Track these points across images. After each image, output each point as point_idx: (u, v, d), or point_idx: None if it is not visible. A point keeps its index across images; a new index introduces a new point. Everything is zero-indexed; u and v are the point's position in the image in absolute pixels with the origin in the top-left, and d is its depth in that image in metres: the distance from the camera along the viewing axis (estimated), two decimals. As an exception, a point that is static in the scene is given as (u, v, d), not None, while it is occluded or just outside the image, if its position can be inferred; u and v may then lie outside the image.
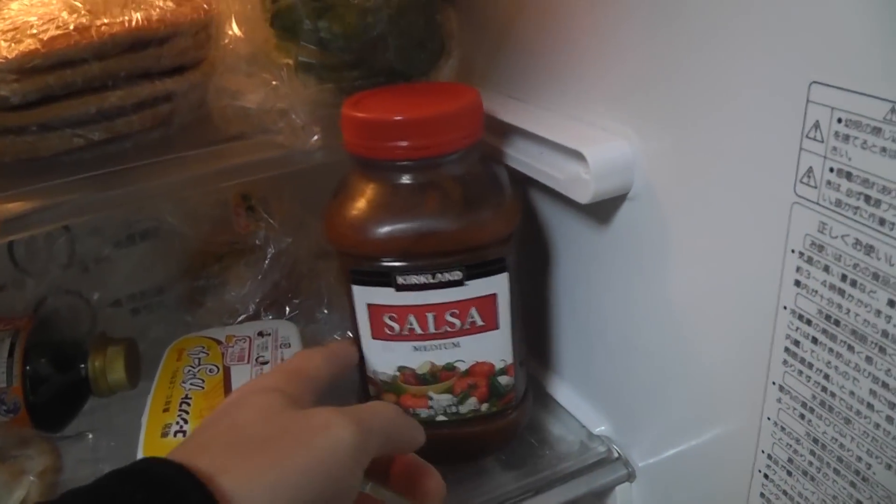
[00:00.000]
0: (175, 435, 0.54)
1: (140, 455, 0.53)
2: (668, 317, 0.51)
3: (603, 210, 0.53)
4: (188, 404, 0.56)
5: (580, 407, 0.63)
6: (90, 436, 0.64)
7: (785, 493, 0.45)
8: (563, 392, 0.65)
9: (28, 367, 0.62)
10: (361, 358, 0.55)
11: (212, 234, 0.70)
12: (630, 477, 0.58)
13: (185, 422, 0.55)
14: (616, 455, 0.59)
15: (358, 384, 0.58)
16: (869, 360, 0.37)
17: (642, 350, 0.54)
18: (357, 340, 0.54)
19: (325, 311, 0.69)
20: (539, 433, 0.63)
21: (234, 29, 0.58)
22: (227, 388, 0.58)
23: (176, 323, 0.69)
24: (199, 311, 0.68)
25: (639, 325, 0.54)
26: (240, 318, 0.67)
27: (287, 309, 0.68)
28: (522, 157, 0.55)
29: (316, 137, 0.56)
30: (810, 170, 0.38)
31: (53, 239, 0.72)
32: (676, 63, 0.44)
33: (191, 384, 0.59)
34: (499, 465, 0.59)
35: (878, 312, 0.36)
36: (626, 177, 0.49)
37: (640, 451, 0.58)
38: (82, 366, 0.64)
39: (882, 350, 0.36)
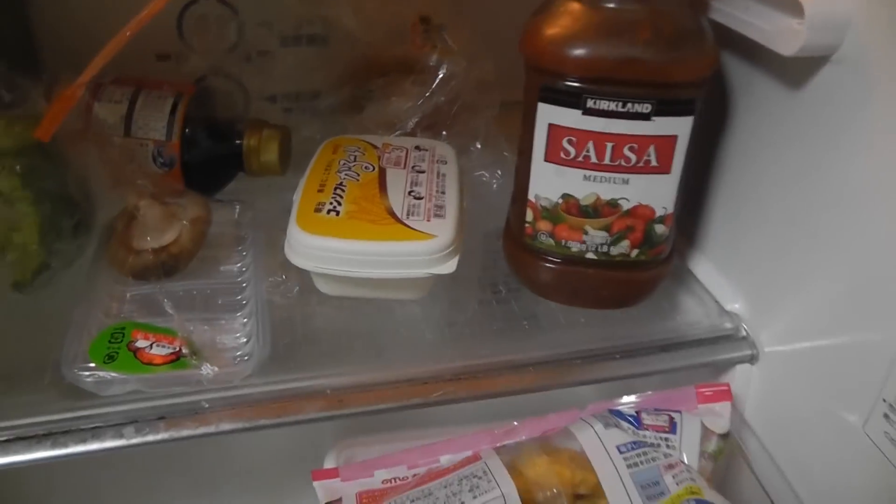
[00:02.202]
0: (328, 213, 0.55)
1: (292, 225, 0.54)
2: (847, 198, 0.49)
3: (799, 71, 0.51)
4: (342, 190, 0.57)
5: (718, 284, 0.62)
6: (238, 205, 0.66)
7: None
8: (703, 268, 0.64)
9: (187, 130, 0.64)
10: (522, 180, 0.55)
11: (384, 46, 0.70)
12: (753, 359, 0.58)
13: (339, 203, 0.56)
14: (743, 334, 0.59)
15: (511, 208, 0.58)
16: None
17: (804, 231, 0.52)
18: (524, 162, 0.54)
19: (478, 146, 0.68)
20: (671, 299, 0.62)
21: None
22: (382, 186, 0.58)
23: (330, 126, 0.70)
24: (356, 117, 0.69)
25: (808, 204, 0.52)
26: (396, 133, 0.68)
27: (444, 133, 0.68)
28: (726, 7, 0.53)
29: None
30: None
31: (223, 21, 0.72)
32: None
33: (346, 174, 0.59)
34: (627, 318, 0.59)
35: None
36: (839, 34, 0.47)
37: (771, 336, 0.57)
38: (238, 141, 0.66)
39: None
